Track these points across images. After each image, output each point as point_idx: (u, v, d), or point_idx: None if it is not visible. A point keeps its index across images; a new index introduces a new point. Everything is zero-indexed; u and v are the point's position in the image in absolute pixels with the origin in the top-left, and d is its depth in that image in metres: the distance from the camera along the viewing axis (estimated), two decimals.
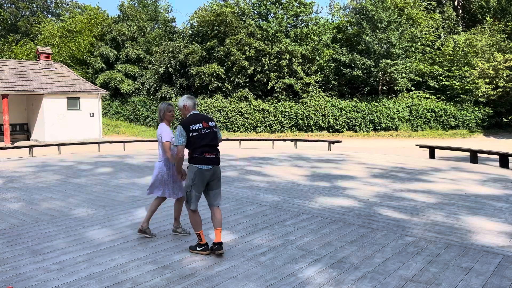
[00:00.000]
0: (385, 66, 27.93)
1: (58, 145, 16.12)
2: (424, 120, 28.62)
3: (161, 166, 4.90)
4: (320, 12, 52.66)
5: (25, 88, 22.15)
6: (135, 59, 34.82)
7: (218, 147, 4.53)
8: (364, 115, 28.68)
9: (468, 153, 13.31)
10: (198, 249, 4.42)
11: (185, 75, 32.08)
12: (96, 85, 30.75)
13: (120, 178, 9.36)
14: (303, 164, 11.82)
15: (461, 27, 36.55)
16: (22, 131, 24.86)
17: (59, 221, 5.72)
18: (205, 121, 4.38)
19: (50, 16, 55.36)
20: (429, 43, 32.72)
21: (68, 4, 54.94)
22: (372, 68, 28.76)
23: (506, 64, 27.38)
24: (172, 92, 32.03)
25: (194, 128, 4.28)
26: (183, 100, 4.53)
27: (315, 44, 30.03)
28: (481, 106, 28.51)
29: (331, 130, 29.02)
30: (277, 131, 29.12)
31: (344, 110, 28.88)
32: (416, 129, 28.53)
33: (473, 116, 28.36)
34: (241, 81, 30.39)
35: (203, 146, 4.30)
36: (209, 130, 4.37)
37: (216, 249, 4.31)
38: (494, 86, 27.60)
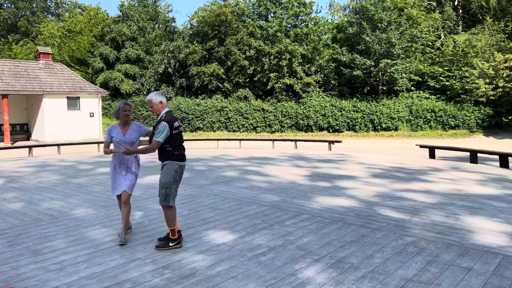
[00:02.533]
0: (385, 66, 27.92)
1: (58, 145, 16.11)
2: (424, 120, 28.60)
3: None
4: (320, 12, 52.59)
5: (25, 88, 22.14)
6: (135, 59, 34.83)
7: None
8: (364, 115, 28.66)
9: (468, 153, 13.30)
10: (171, 244, 4.54)
11: (185, 75, 32.08)
12: (96, 85, 30.76)
13: None
14: (303, 164, 11.82)
15: (461, 27, 36.52)
16: (22, 131, 24.85)
17: (59, 221, 5.72)
18: (178, 121, 4.64)
19: (50, 16, 55.38)
20: (429, 43, 32.69)
21: (68, 4, 54.95)
22: (372, 68, 28.74)
23: (506, 64, 27.36)
24: (172, 92, 32.04)
25: (175, 126, 4.52)
26: (160, 96, 4.57)
27: (315, 44, 30.01)
28: (481, 106, 28.48)
29: (331, 130, 29.02)
30: (277, 131, 29.11)
31: (344, 110, 28.86)
32: (416, 129, 28.51)
33: (473, 116, 28.34)
34: (241, 81, 30.39)
35: (181, 144, 4.59)
36: (181, 129, 4.68)
37: (181, 238, 4.67)
38: (494, 86, 27.58)
